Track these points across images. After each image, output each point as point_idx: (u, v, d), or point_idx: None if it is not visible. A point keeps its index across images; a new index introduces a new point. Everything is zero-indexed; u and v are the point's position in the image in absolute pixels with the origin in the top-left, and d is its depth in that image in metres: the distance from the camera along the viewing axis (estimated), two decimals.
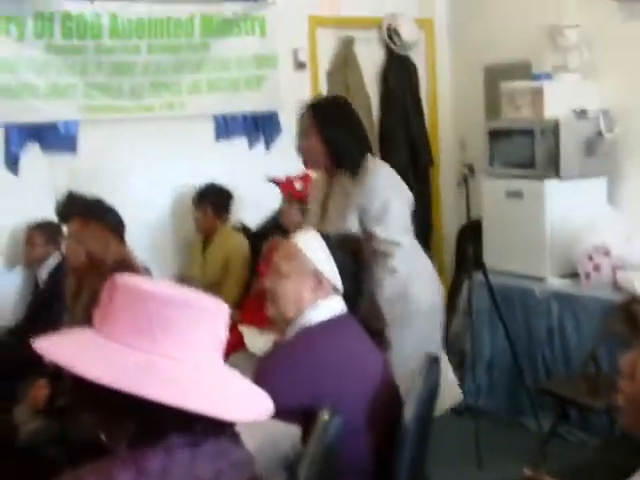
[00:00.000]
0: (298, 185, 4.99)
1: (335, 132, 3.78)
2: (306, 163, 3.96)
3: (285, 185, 5.08)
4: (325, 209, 3.91)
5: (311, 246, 2.71)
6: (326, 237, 2.76)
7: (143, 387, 1.46)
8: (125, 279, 1.60)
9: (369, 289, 2.83)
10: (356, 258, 2.75)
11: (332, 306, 2.67)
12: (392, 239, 3.72)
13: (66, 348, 1.55)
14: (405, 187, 3.92)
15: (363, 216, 3.75)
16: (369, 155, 3.86)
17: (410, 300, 3.78)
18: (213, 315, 1.61)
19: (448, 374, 4.06)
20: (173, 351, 1.54)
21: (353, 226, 3.75)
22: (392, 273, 3.70)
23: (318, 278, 2.67)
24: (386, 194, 3.73)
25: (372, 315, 3.45)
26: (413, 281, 3.79)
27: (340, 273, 2.70)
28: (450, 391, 4.10)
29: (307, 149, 3.86)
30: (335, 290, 2.70)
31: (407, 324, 3.75)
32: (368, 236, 3.71)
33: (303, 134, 3.87)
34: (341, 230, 3.68)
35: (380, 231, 3.72)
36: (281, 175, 5.17)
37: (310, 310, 2.64)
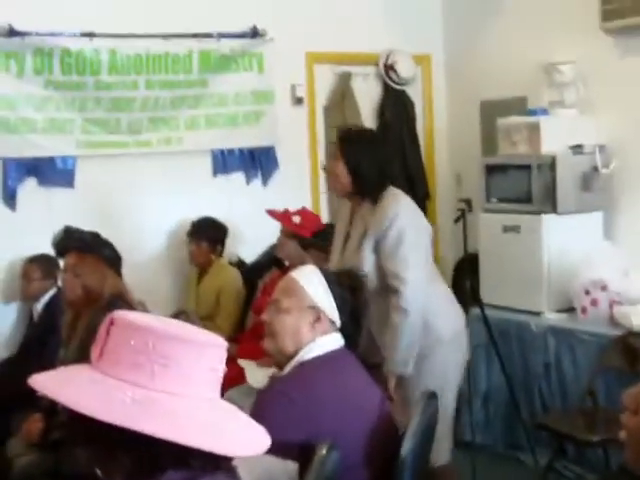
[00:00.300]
0: (296, 218, 5.00)
1: (358, 161, 3.84)
2: (330, 186, 4.08)
3: (282, 217, 5.10)
4: (347, 239, 3.96)
5: (310, 282, 2.72)
6: (325, 272, 2.77)
7: (140, 422, 1.46)
8: (123, 314, 1.60)
9: (367, 324, 2.83)
10: (354, 293, 2.75)
11: (330, 341, 2.67)
12: (399, 274, 3.71)
13: (63, 383, 1.54)
14: (423, 218, 3.97)
15: (379, 247, 3.77)
16: (391, 186, 3.91)
17: (431, 330, 3.78)
18: (211, 350, 1.60)
19: None
20: (171, 387, 1.53)
21: (368, 256, 3.77)
22: (403, 314, 3.69)
23: (317, 314, 2.67)
24: (403, 224, 3.74)
25: (370, 350, 3.46)
26: (429, 312, 3.77)
27: (338, 308, 2.70)
28: None
29: (332, 174, 3.95)
30: (333, 325, 2.70)
31: (428, 354, 3.76)
32: (381, 271, 3.74)
33: (331, 158, 3.99)
34: (356, 261, 3.74)
35: (390, 265, 3.73)
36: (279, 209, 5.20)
37: (308, 346, 2.64)
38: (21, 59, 5.33)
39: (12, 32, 5.28)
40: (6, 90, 5.33)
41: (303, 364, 2.63)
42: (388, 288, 3.71)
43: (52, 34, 5.37)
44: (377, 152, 3.97)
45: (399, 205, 3.81)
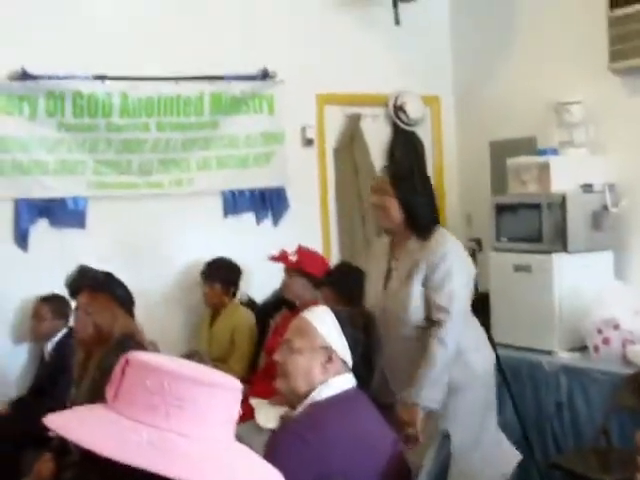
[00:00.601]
0: (293, 257, 5.06)
1: (412, 199, 3.88)
2: (379, 221, 4.07)
3: (281, 258, 5.14)
4: (389, 273, 3.96)
5: (323, 322, 2.72)
6: (337, 312, 2.77)
7: (155, 464, 1.45)
8: (138, 355, 1.60)
9: (380, 364, 2.82)
10: (367, 333, 2.75)
11: (342, 382, 2.67)
12: (445, 307, 3.73)
13: (78, 424, 1.54)
14: (470, 261, 4.01)
15: (427, 279, 3.79)
16: (438, 225, 3.96)
17: (467, 365, 3.81)
18: (226, 392, 1.60)
19: (503, 441, 4.05)
20: (186, 428, 1.52)
21: (417, 288, 3.79)
22: (442, 345, 3.69)
23: (329, 354, 2.68)
24: (453, 261, 3.79)
25: (382, 390, 3.44)
26: (466, 348, 3.81)
27: (350, 349, 2.70)
28: (504, 456, 4.08)
29: (383, 209, 3.94)
30: (345, 366, 2.70)
31: (460, 389, 3.77)
32: (428, 303, 3.76)
33: (378, 192, 3.96)
34: (404, 294, 3.77)
35: (437, 298, 3.75)
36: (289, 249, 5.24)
37: (320, 386, 2.64)
38: (34, 102, 5.38)
39: (25, 75, 5.34)
40: (19, 132, 5.39)
41: (314, 405, 2.62)
42: (432, 322, 3.75)
43: (64, 77, 5.43)
44: (429, 189, 4.01)
45: (450, 243, 3.87)
